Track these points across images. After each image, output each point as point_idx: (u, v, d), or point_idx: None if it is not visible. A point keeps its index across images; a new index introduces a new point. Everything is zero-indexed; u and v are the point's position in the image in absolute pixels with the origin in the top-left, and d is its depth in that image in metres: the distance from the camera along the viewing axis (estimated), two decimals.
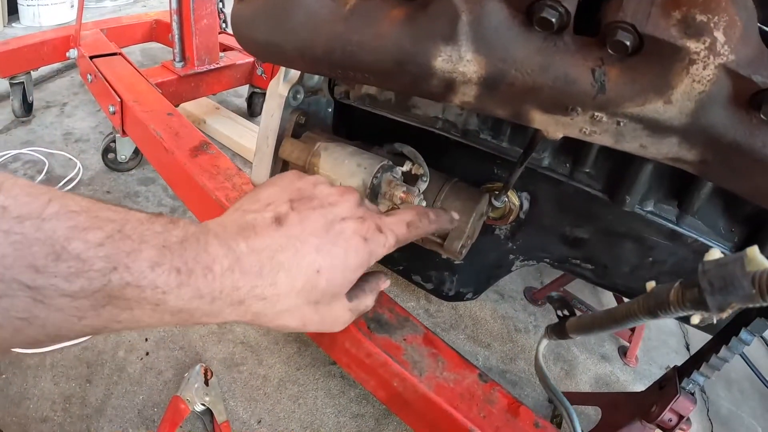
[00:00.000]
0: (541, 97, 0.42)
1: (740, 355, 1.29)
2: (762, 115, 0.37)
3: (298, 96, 0.79)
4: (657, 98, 0.39)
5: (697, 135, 0.41)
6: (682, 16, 0.35)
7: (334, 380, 1.00)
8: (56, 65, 2.13)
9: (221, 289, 0.35)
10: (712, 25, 0.35)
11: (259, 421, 0.91)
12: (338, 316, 0.48)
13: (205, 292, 0.34)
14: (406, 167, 0.67)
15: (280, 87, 0.77)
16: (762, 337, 1.43)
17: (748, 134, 0.37)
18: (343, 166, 0.66)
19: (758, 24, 0.37)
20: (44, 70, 2.10)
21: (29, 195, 0.27)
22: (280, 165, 0.82)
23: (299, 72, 0.78)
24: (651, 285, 0.35)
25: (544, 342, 0.58)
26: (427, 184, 0.68)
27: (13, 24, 2.77)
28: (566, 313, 0.53)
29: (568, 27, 0.38)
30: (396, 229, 0.49)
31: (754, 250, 0.26)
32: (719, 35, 0.35)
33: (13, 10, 2.79)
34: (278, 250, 0.39)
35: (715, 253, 0.30)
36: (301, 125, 0.78)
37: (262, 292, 0.38)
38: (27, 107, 1.79)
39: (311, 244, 0.41)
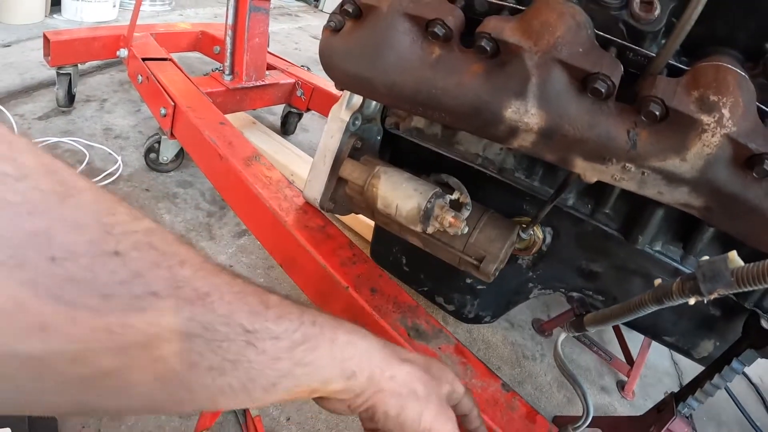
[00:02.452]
0: (586, 148, 0.54)
1: (730, 396, 1.37)
2: (754, 174, 0.48)
3: (357, 122, 0.90)
4: (675, 156, 0.50)
5: (704, 186, 0.52)
6: (699, 95, 0.47)
7: None
8: (97, 61, 2.21)
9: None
10: (721, 104, 0.47)
11: (288, 419, 0.98)
12: None
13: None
14: (455, 196, 0.77)
15: (342, 112, 0.89)
16: (753, 384, 1.52)
17: (744, 188, 0.48)
18: (400, 189, 0.76)
19: (757, 103, 0.49)
20: (86, 64, 2.14)
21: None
22: (335, 182, 0.93)
23: (361, 101, 0.89)
24: (658, 281, 0.47)
25: (563, 335, 0.67)
26: (469, 212, 0.78)
27: (55, 15, 2.83)
28: (583, 311, 0.62)
29: (613, 96, 0.50)
30: None
31: (734, 254, 0.38)
32: (726, 112, 0.46)
33: (56, 1, 2.84)
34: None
35: (707, 258, 0.41)
36: (357, 149, 0.90)
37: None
38: (70, 98, 1.87)
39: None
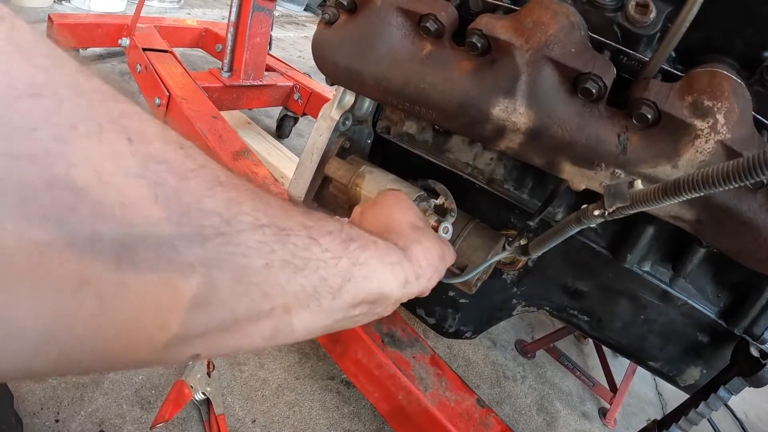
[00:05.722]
0: (574, 151, 0.52)
1: (714, 430, 1.33)
2: (749, 185, 0.46)
3: (347, 122, 0.89)
4: (666, 162, 0.48)
5: (695, 197, 0.50)
6: (693, 100, 0.45)
7: (330, 395, 1.04)
8: (99, 50, 2.19)
9: None
10: (715, 109, 0.45)
11: (254, 421, 0.94)
12: None
13: None
14: (440, 201, 0.75)
15: (333, 111, 0.87)
16: (738, 419, 1.48)
17: (737, 200, 0.46)
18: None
19: (753, 113, 0.47)
20: (87, 52, 2.13)
21: None
22: (320, 180, 0.90)
23: (352, 100, 0.88)
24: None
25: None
26: (454, 219, 0.75)
27: (64, 2, 2.85)
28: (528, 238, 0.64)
29: (604, 98, 0.48)
30: None
31: (638, 182, 0.40)
32: (720, 118, 0.44)
33: None
34: None
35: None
36: (345, 149, 0.88)
37: None
38: None
39: None
